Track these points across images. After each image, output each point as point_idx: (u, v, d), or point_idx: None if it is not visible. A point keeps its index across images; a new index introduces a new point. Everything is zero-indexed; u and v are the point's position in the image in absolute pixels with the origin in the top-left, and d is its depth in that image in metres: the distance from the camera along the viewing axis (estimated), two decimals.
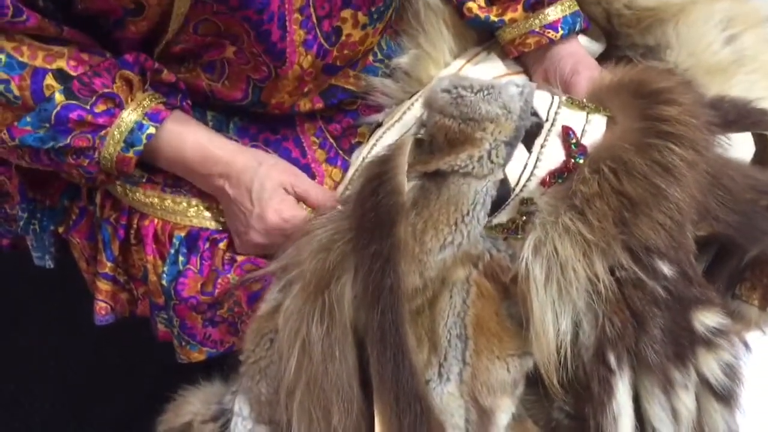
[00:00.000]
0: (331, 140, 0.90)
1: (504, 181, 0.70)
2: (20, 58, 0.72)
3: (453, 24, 0.91)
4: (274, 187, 0.80)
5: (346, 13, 0.81)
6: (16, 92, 0.72)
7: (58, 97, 0.73)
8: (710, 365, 0.68)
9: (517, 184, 0.71)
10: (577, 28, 0.88)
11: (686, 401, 0.67)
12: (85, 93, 0.74)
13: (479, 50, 0.93)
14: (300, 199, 0.82)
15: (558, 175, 0.70)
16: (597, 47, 0.95)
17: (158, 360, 0.96)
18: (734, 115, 0.78)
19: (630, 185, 0.65)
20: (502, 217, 0.70)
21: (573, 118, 0.73)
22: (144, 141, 0.76)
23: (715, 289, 0.75)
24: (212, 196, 0.83)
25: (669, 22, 0.93)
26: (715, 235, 0.75)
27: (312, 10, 0.78)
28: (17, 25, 0.71)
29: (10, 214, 0.94)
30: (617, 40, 0.96)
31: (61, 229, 0.90)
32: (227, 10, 0.74)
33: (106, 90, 0.75)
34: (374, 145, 0.86)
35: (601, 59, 0.96)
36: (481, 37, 0.94)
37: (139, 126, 0.76)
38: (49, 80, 0.73)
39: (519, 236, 0.69)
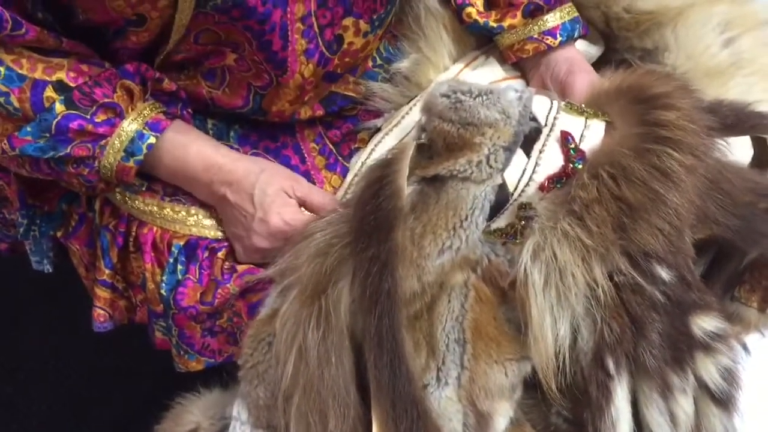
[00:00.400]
0: (331, 146, 0.90)
1: (502, 186, 0.70)
2: (19, 71, 0.72)
3: (453, 28, 0.91)
4: (276, 191, 0.80)
5: (348, 22, 0.81)
6: (16, 104, 0.72)
7: (59, 107, 0.73)
8: (709, 370, 0.68)
9: (515, 189, 0.71)
10: (576, 34, 0.88)
11: (684, 406, 0.68)
12: (85, 103, 0.74)
13: (478, 54, 0.93)
14: (301, 202, 0.82)
15: (557, 180, 0.70)
16: (595, 51, 0.95)
17: (157, 362, 0.96)
18: (733, 119, 0.78)
19: (629, 191, 0.65)
20: (500, 222, 0.71)
21: (572, 123, 0.73)
22: (144, 150, 0.76)
23: (713, 292, 0.75)
24: (211, 205, 0.83)
25: (667, 26, 0.93)
26: (714, 238, 0.75)
27: (314, 19, 0.78)
28: (16, 38, 0.71)
29: (9, 219, 0.94)
30: (615, 44, 0.97)
31: (59, 234, 0.90)
32: (229, 20, 0.74)
33: (106, 100, 0.75)
34: (373, 149, 0.87)
35: (599, 62, 0.96)
36: (480, 41, 0.94)
37: (140, 135, 0.76)
38: (49, 92, 0.73)
39: (518, 241, 0.69)
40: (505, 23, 0.88)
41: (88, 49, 0.77)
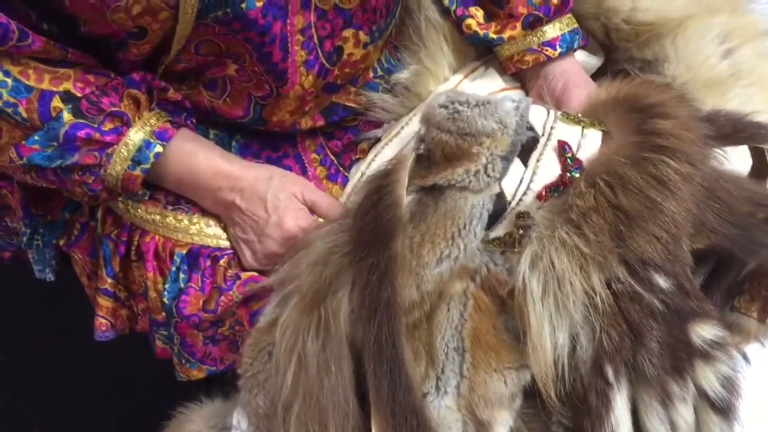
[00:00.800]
0: (332, 157, 0.91)
1: (500, 195, 0.71)
2: (27, 82, 0.73)
3: (453, 40, 0.91)
4: (288, 196, 0.81)
5: (348, 33, 0.82)
6: (24, 114, 0.73)
7: (66, 116, 0.74)
8: (708, 378, 0.68)
9: (513, 198, 0.71)
10: (575, 45, 0.89)
11: (684, 414, 0.67)
12: (93, 112, 0.75)
13: (477, 65, 0.94)
14: (310, 207, 0.83)
15: (554, 189, 0.70)
16: (595, 61, 0.96)
17: (158, 366, 0.96)
18: (730, 129, 0.78)
19: (625, 199, 0.66)
20: (498, 231, 0.71)
21: (568, 132, 0.73)
22: (152, 159, 0.77)
23: (713, 302, 0.75)
24: (213, 214, 0.84)
25: (667, 36, 0.94)
26: (712, 247, 0.75)
27: (314, 30, 0.79)
28: (23, 49, 0.71)
29: (11, 228, 0.95)
30: (615, 54, 0.97)
31: (62, 243, 0.91)
32: (229, 32, 0.75)
33: (113, 108, 0.76)
34: (372, 160, 0.87)
35: (599, 73, 0.97)
36: (480, 52, 0.94)
37: (147, 144, 0.77)
38: (57, 102, 0.74)
39: (516, 250, 0.69)
40: (505, 35, 0.88)
41: (94, 59, 0.78)
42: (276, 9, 0.75)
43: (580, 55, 0.93)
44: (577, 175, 0.70)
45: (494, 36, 0.89)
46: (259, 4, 0.73)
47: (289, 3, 0.75)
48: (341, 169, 0.91)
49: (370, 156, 0.88)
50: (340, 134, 0.92)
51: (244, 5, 0.72)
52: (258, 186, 0.81)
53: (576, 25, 0.90)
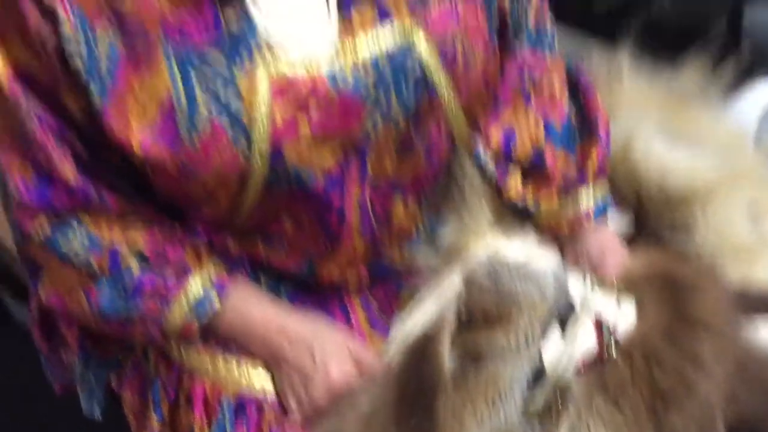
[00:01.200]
0: (375, 306, 0.95)
1: (539, 362, 0.73)
2: (98, 234, 0.80)
3: (493, 202, 0.96)
4: (334, 348, 0.85)
5: (398, 201, 0.88)
6: (95, 266, 0.80)
7: (134, 267, 0.81)
8: None
9: (552, 367, 0.74)
10: (608, 211, 0.94)
11: None
12: (159, 262, 0.81)
13: (516, 224, 0.99)
14: (355, 361, 0.85)
15: (592, 362, 0.73)
16: (626, 225, 1.00)
17: None
18: (760, 302, 0.81)
19: (661, 375, 0.68)
20: (537, 400, 0.73)
21: (604, 303, 0.77)
22: (208, 311, 0.83)
23: None
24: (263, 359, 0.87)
25: (697, 203, 0.98)
26: (744, 420, 0.76)
27: (368, 199, 0.85)
28: (100, 208, 0.80)
29: (66, 362, 0.99)
30: (647, 219, 1.01)
31: (113, 383, 0.94)
32: (291, 198, 0.82)
33: (177, 259, 0.82)
34: (413, 314, 0.91)
35: (630, 235, 1.01)
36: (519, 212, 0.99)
37: (206, 294, 0.82)
38: (125, 253, 0.81)
39: (554, 420, 0.71)
40: (541, 203, 0.93)
41: (161, 214, 0.84)
42: (335, 182, 0.81)
43: (613, 220, 0.97)
44: (614, 349, 0.72)
45: (531, 204, 0.94)
46: (320, 180, 0.79)
47: (346, 176, 0.82)
48: (383, 317, 0.95)
49: (411, 310, 0.92)
50: (383, 284, 0.96)
51: (306, 179, 0.79)
52: (305, 336, 0.85)
53: (608, 193, 0.95)
